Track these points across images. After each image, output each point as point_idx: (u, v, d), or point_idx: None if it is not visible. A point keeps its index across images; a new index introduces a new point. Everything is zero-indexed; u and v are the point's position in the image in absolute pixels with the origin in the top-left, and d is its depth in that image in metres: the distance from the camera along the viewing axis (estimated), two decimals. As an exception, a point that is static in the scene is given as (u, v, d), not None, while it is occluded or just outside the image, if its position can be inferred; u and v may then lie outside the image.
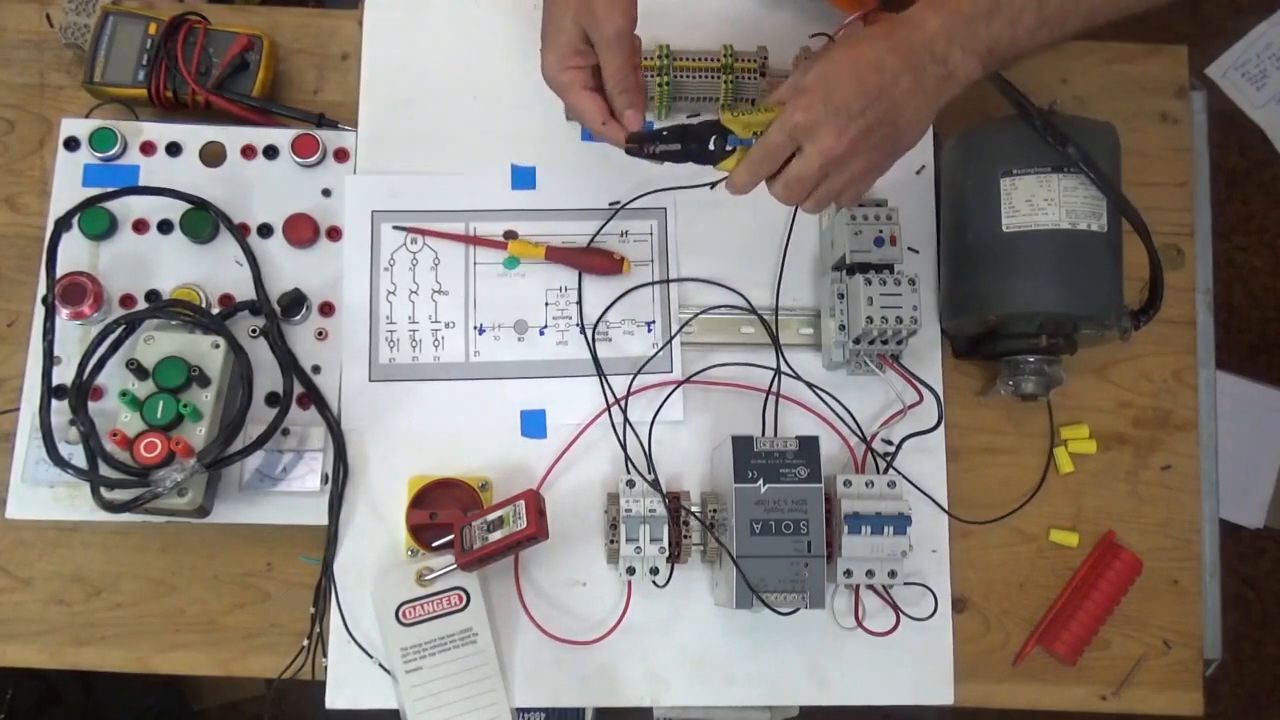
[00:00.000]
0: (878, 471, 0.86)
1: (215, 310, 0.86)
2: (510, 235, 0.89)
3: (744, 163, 0.73)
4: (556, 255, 0.88)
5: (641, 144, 0.77)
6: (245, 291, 0.87)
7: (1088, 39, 0.91)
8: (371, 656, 0.83)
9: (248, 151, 0.90)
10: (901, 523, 0.79)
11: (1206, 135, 0.98)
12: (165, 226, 0.88)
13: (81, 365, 0.80)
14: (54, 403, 0.82)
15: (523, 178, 0.91)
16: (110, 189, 0.87)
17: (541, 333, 0.89)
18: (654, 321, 0.89)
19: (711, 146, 0.75)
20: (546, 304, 0.89)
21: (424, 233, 0.89)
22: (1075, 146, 0.81)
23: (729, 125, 0.75)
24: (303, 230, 0.88)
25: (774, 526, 0.78)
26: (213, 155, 0.90)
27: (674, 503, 0.82)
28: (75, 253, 0.87)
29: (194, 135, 0.90)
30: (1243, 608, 1.75)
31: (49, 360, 0.83)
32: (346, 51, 0.95)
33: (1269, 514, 1.74)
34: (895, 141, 0.71)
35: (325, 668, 0.84)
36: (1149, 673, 0.88)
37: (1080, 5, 0.70)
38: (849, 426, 0.88)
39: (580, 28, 0.75)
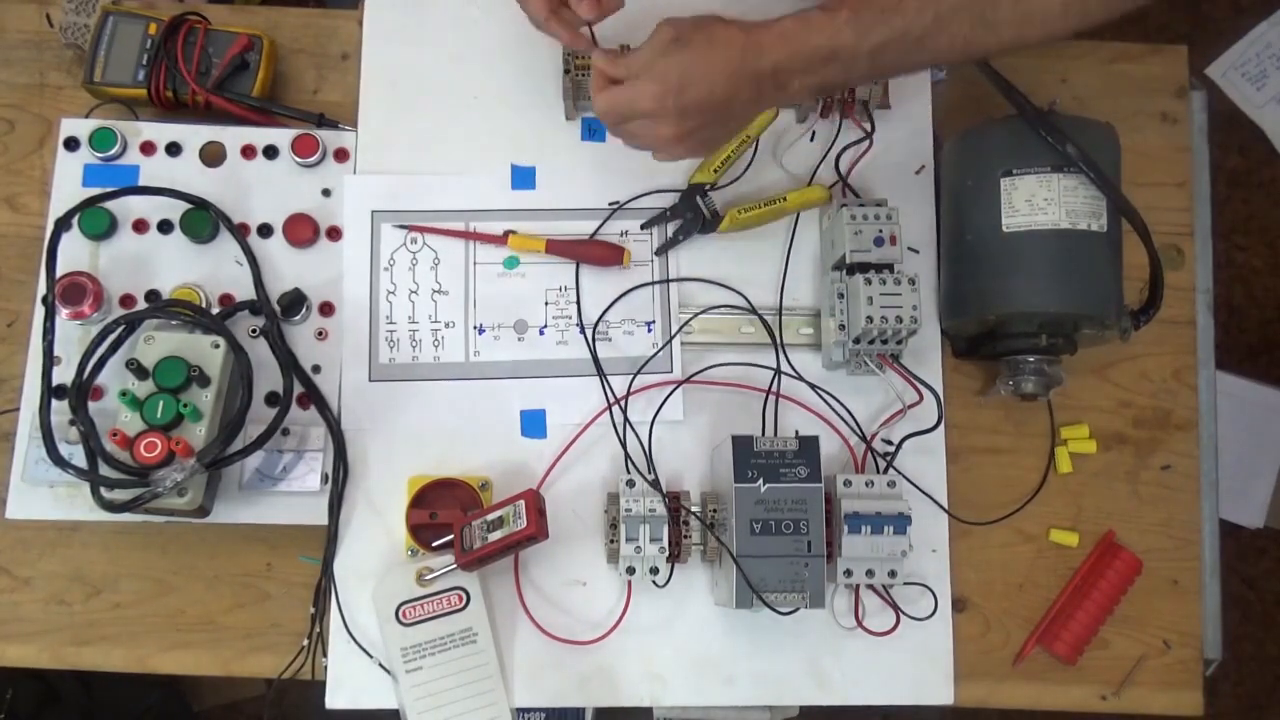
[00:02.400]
0: (878, 471, 0.86)
1: (215, 310, 0.86)
2: (510, 235, 0.89)
3: (596, 107, 0.77)
4: (556, 248, 0.89)
5: (665, 251, 0.90)
6: (245, 291, 0.87)
7: (1088, 39, 0.91)
8: (371, 656, 0.83)
9: (248, 151, 0.90)
10: (901, 523, 0.79)
11: (1206, 135, 0.98)
12: (165, 226, 0.88)
13: (81, 365, 0.80)
14: (54, 403, 0.82)
15: (523, 178, 0.91)
16: (110, 189, 0.87)
17: (541, 333, 0.89)
18: (654, 321, 0.89)
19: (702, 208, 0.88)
20: (546, 304, 0.89)
21: (426, 230, 0.89)
22: (1075, 146, 0.81)
23: (698, 179, 0.88)
24: (303, 230, 0.88)
25: (774, 526, 0.78)
26: (213, 155, 0.90)
27: (674, 502, 0.82)
28: (75, 253, 0.87)
29: (194, 135, 0.90)
30: (1243, 608, 1.75)
31: (49, 360, 0.83)
32: (346, 51, 0.95)
33: (1269, 514, 1.74)
34: (717, 138, 0.78)
35: (325, 668, 0.84)
36: (1149, 673, 0.88)
37: (910, 63, 0.75)
38: (849, 426, 0.88)
39: None
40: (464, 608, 0.82)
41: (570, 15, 0.79)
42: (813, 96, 0.77)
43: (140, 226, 0.88)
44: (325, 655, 0.84)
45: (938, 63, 0.77)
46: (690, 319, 0.89)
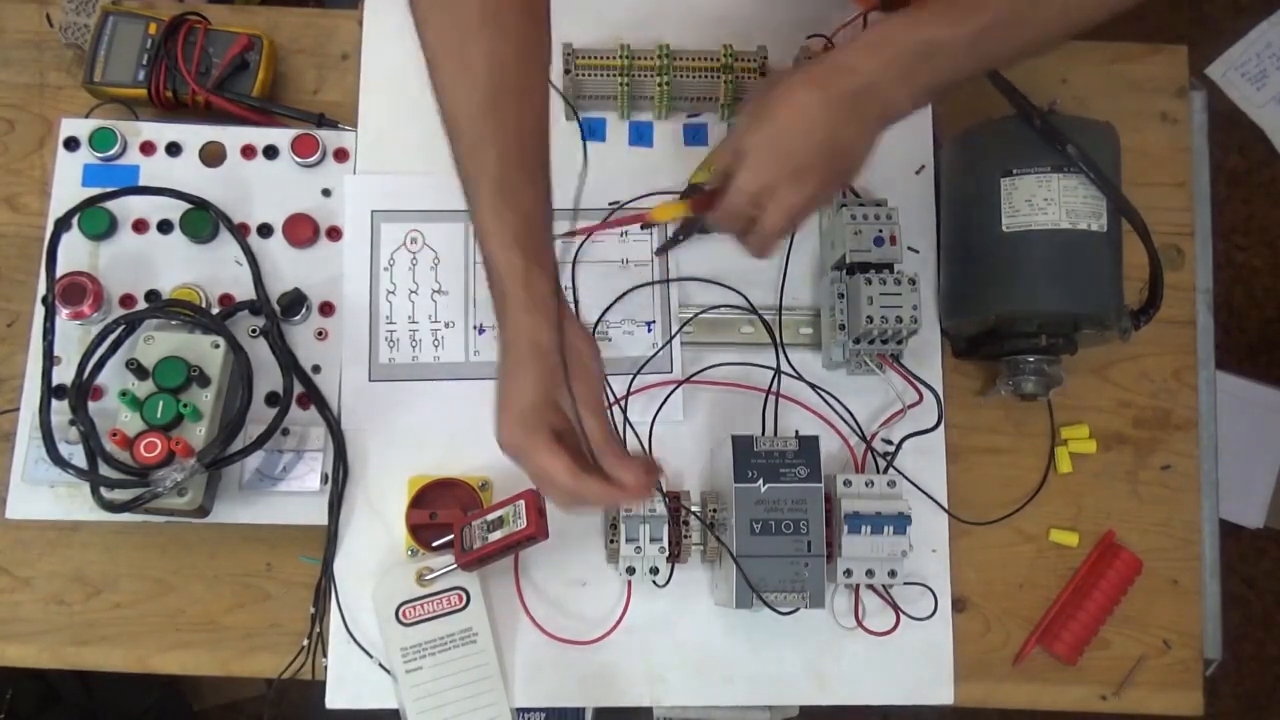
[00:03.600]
0: (878, 471, 0.86)
1: (215, 310, 0.86)
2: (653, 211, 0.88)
3: (716, 222, 0.73)
4: (698, 204, 0.79)
5: (665, 250, 0.90)
6: (245, 291, 0.87)
7: (1088, 39, 0.91)
8: (371, 656, 0.83)
9: (248, 151, 0.90)
10: (901, 522, 0.79)
11: (1206, 135, 0.98)
12: (165, 226, 0.88)
13: (81, 365, 0.80)
14: (54, 403, 0.82)
15: (523, 178, 0.91)
16: (110, 189, 0.87)
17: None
18: (654, 321, 0.89)
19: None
20: (546, 304, 0.89)
21: (584, 231, 0.88)
22: (1075, 146, 0.81)
23: (697, 180, 0.87)
24: (303, 230, 0.88)
25: (774, 526, 0.78)
26: (213, 155, 0.90)
27: (674, 502, 0.82)
28: (75, 253, 0.87)
29: (194, 135, 0.90)
30: (1243, 608, 1.75)
31: (49, 360, 0.83)
32: (346, 51, 0.95)
33: (1269, 514, 1.73)
34: (844, 178, 0.73)
35: (325, 668, 0.84)
36: (1149, 673, 0.88)
37: (1011, 48, 0.71)
38: (849, 426, 0.88)
39: (547, 392, 0.67)
40: (464, 608, 0.82)
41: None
42: (921, 104, 0.70)
43: (140, 226, 0.88)
44: (325, 655, 0.84)
45: (1040, 44, 0.71)
46: (690, 319, 0.89)
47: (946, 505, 0.87)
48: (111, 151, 0.88)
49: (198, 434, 0.78)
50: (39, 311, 0.85)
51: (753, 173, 0.69)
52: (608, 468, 0.67)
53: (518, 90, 0.68)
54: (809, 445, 0.80)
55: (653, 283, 0.89)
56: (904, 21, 0.67)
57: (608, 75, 0.88)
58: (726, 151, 0.71)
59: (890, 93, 0.68)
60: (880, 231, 0.83)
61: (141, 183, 0.88)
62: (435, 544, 0.82)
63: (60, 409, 0.81)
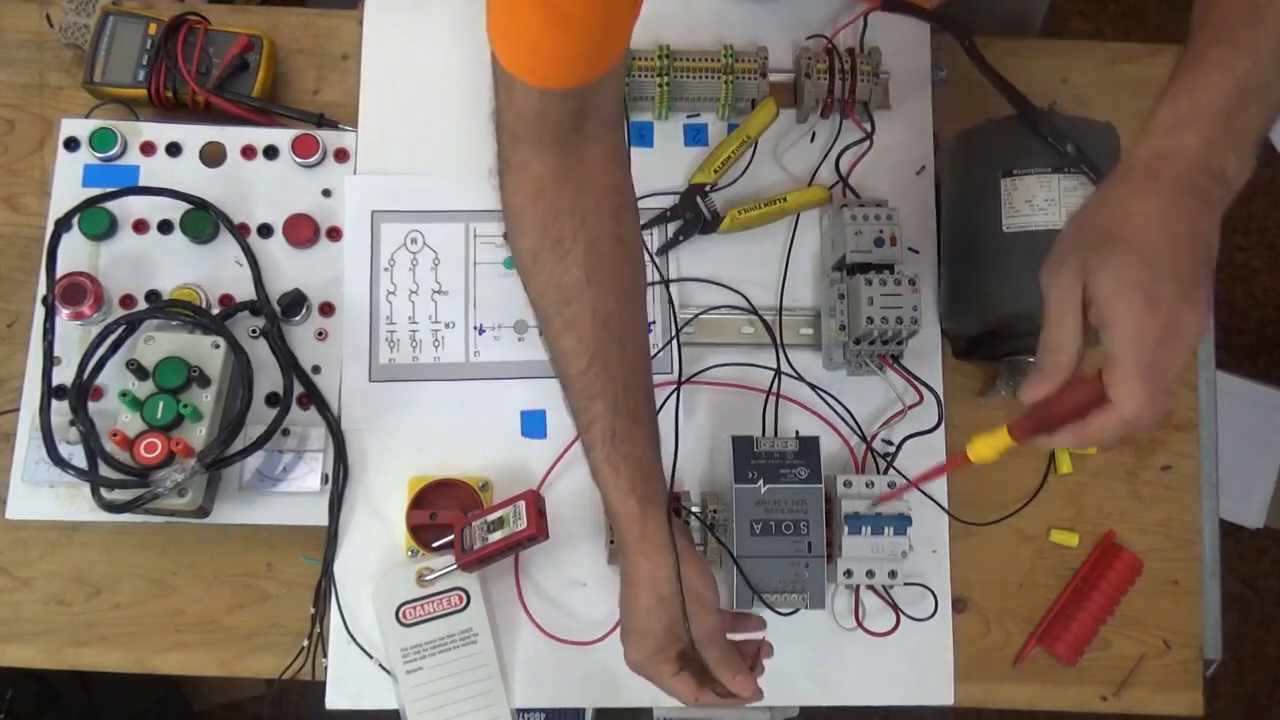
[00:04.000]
0: (878, 472, 0.86)
1: (215, 310, 0.86)
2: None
3: (1133, 405, 0.56)
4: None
5: (665, 251, 0.89)
6: (245, 291, 0.87)
7: (1088, 39, 0.91)
8: (371, 656, 0.83)
9: (248, 152, 0.90)
10: (901, 523, 0.79)
11: (1207, 135, 0.97)
12: (165, 226, 0.88)
13: (81, 365, 0.80)
14: (54, 403, 0.82)
15: (523, 178, 0.91)
16: (110, 189, 0.87)
17: (542, 333, 0.88)
18: (654, 321, 0.89)
19: None
20: (546, 304, 0.89)
21: (907, 488, 0.80)
22: (1075, 146, 0.81)
23: (698, 180, 0.89)
24: (303, 230, 0.88)
25: (774, 527, 0.78)
26: (213, 155, 0.90)
27: (674, 503, 0.82)
28: (75, 253, 0.87)
29: (194, 135, 0.90)
30: (1243, 608, 1.75)
31: (49, 360, 0.83)
32: (346, 51, 0.95)
33: (1269, 514, 1.73)
34: (1212, 272, 0.58)
35: (325, 668, 0.84)
36: (1149, 673, 0.88)
37: None
38: (849, 426, 0.88)
39: (669, 629, 0.71)
40: (464, 608, 0.82)
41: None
42: (1253, 160, 0.59)
43: (140, 227, 0.88)
44: (325, 655, 0.84)
45: None
46: (690, 319, 0.89)
47: (946, 506, 0.87)
48: (111, 152, 0.88)
49: (198, 434, 0.78)
50: (39, 312, 0.85)
51: (1143, 308, 0.55)
52: (726, 683, 0.72)
53: (621, 338, 0.71)
54: (809, 446, 0.80)
55: (653, 283, 0.89)
56: (1198, 76, 0.59)
57: (608, 75, 0.88)
58: (1061, 318, 0.58)
59: (1225, 160, 0.58)
60: (880, 232, 0.83)
61: (141, 183, 0.88)
62: (435, 544, 0.82)
63: (60, 409, 0.81)
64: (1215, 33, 0.59)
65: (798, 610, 0.80)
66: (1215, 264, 0.58)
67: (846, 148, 0.91)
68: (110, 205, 0.87)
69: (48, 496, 0.83)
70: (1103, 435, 0.57)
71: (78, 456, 0.78)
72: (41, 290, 0.84)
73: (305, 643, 0.84)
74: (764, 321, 0.89)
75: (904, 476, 0.84)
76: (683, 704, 0.74)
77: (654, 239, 0.90)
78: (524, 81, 0.65)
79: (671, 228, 0.90)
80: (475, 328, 0.89)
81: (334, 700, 0.83)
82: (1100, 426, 0.57)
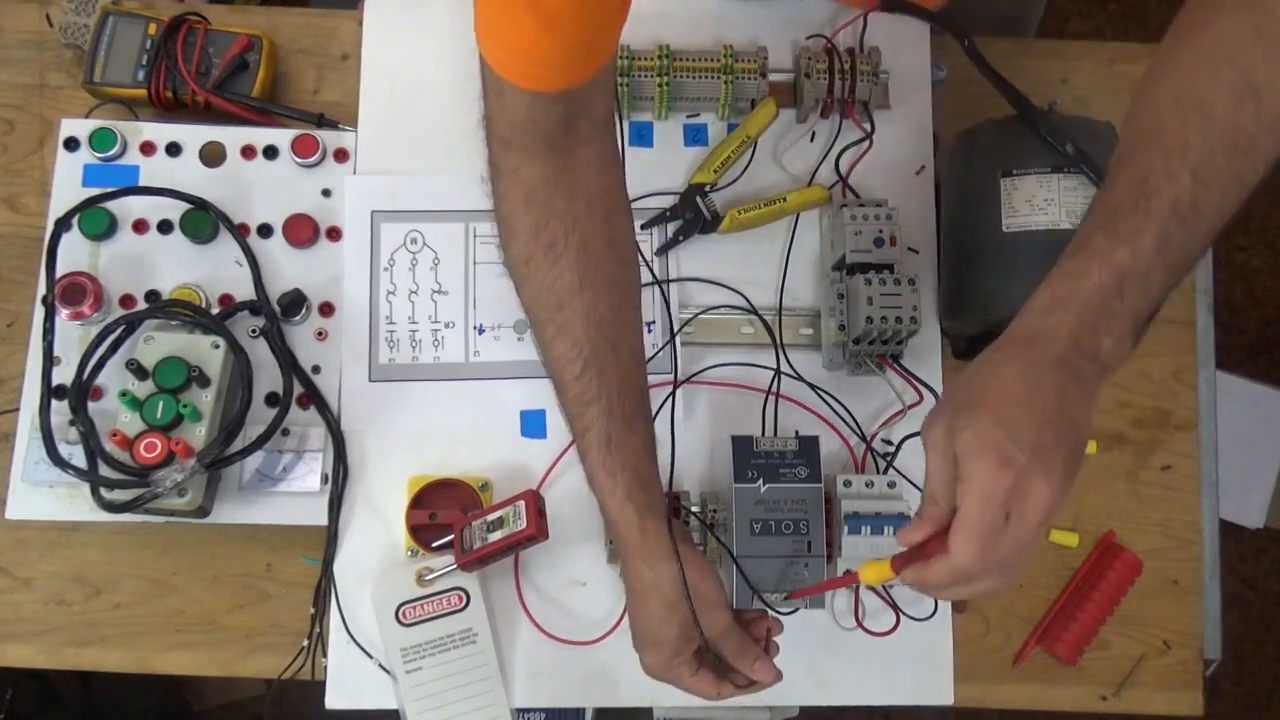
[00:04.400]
0: (878, 471, 0.86)
1: (215, 310, 0.86)
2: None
3: (966, 555, 0.58)
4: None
5: (665, 251, 0.89)
6: (245, 291, 0.87)
7: (1088, 39, 0.91)
8: (371, 656, 0.83)
9: (248, 151, 0.90)
10: (901, 523, 0.79)
11: (1207, 135, 0.97)
12: (165, 226, 0.88)
13: (81, 365, 0.80)
14: (54, 403, 0.82)
15: (523, 178, 0.91)
16: (110, 189, 0.87)
17: (535, 339, 0.88)
18: (654, 321, 0.89)
19: None
20: (546, 304, 0.89)
21: (807, 591, 0.78)
22: (1075, 146, 0.81)
23: (698, 179, 0.89)
24: (303, 230, 0.88)
25: (774, 526, 0.78)
26: (213, 155, 0.90)
27: (674, 503, 0.82)
28: (75, 253, 0.87)
29: (194, 135, 0.90)
30: (1243, 608, 1.75)
31: (49, 360, 0.83)
32: (346, 51, 0.95)
33: (1269, 514, 1.73)
34: (1081, 450, 0.59)
35: (325, 668, 0.84)
36: (1149, 673, 0.88)
37: (1198, 235, 0.60)
38: (849, 426, 0.88)
39: (680, 632, 0.72)
40: (464, 608, 0.82)
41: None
42: (1132, 342, 0.60)
43: (140, 227, 0.88)
44: (325, 655, 0.84)
45: (1223, 219, 0.60)
46: (690, 319, 0.89)
47: (946, 505, 0.87)
48: (111, 152, 0.88)
49: (198, 434, 0.78)
50: (39, 312, 0.85)
51: (994, 470, 0.57)
52: (746, 673, 0.73)
53: (615, 343, 0.71)
54: (809, 445, 0.80)
55: (653, 283, 0.89)
56: (1073, 265, 0.60)
57: (608, 75, 0.88)
58: (938, 474, 0.60)
59: (1098, 342, 0.59)
60: (880, 232, 0.83)
61: (141, 183, 0.88)
62: (435, 544, 0.82)
63: (60, 409, 0.81)
64: (1101, 219, 0.60)
65: (798, 610, 0.80)
66: (1084, 442, 0.59)
67: (846, 148, 0.91)
68: (110, 205, 0.87)
69: (48, 496, 0.83)
70: (937, 581, 0.60)
71: (77, 456, 0.78)
72: (41, 290, 0.84)
73: (305, 643, 0.84)
74: (764, 321, 0.89)
75: (903, 476, 0.84)
76: (706, 701, 0.74)
77: (654, 239, 0.90)
78: (514, 85, 0.65)
79: (671, 228, 0.90)
80: (475, 328, 0.89)
81: (334, 700, 0.83)
82: (935, 572, 0.60)
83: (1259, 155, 0.60)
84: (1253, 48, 0.59)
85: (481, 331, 0.89)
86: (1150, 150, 0.60)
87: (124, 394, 0.77)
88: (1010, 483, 0.57)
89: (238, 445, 0.79)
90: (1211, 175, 0.59)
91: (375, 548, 0.85)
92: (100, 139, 0.88)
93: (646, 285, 0.89)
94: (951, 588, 0.60)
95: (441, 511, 0.84)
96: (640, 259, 0.88)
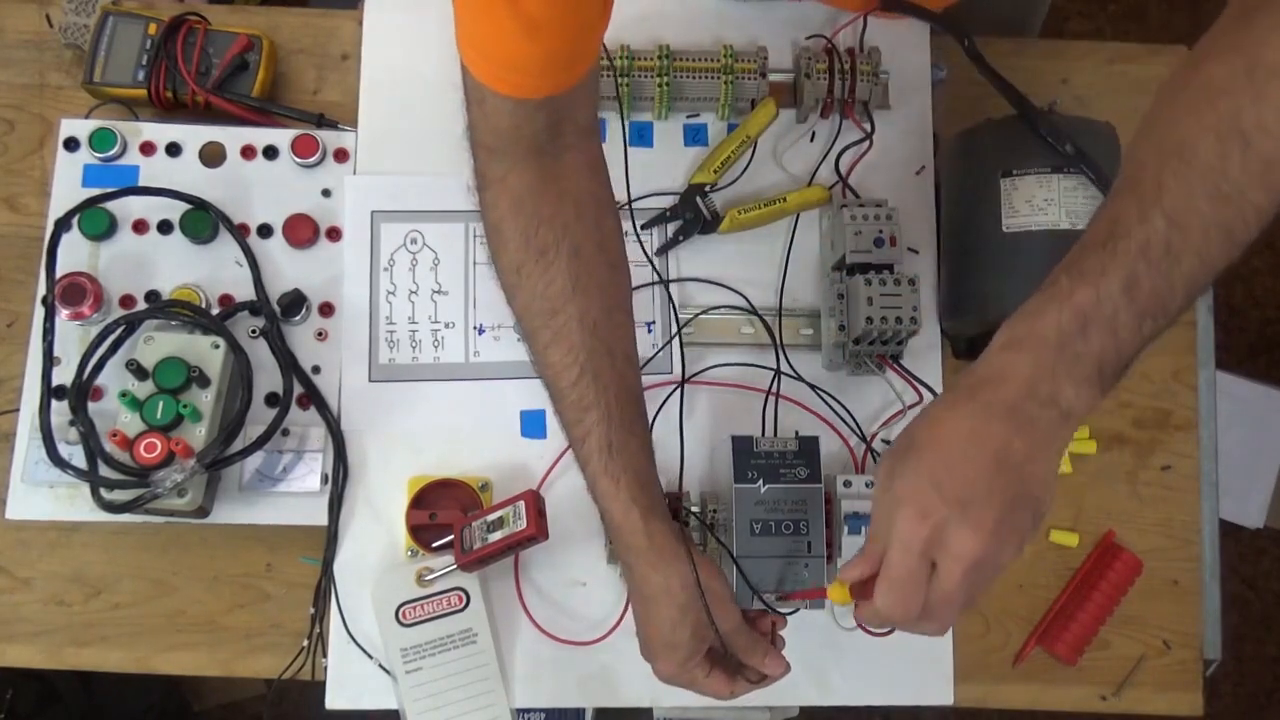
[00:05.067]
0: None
1: (215, 310, 0.86)
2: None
3: (884, 602, 0.59)
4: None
5: (665, 251, 0.89)
6: (245, 292, 0.87)
7: (1088, 39, 0.91)
8: (371, 657, 0.83)
9: (247, 152, 0.90)
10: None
11: (1207, 135, 0.97)
12: (165, 227, 0.88)
13: (81, 365, 0.80)
14: (54, 403, 0.82)
15: (523, 178, 0.91)
16: (110, 189, 0.87)
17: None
18: (654, 322, 0.89)
19: None
20: (546, 304, 0.89)
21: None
22: (1075, 146, 0.81)
23: (698, 179, 0.88)
24: (303, 230, 0.88)
25: (774, 526, 0.78)
26: (212, 155, 0.90)
27: (674, 503, 0.82)
28: (75, 253, 0.87)
29: (194, 135, 0.90)
30: (1243, 608, 1.75)
31: (49, 361, 0.83)
32: (346, 51, 0.95)
33: (1269, 514, 1.73)
34: (1036, 511, 0.58)
35: (325, 668, 0.84)
36: (1149, 673, 0.88)
37: (1173, 282, 0.56)
38: (849, 427, 0.88)
39: (693, 633, 0.71)
40: (464, 608, 0.82)
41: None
42: (1101, 395, 0.57)
43: (140, 227, 0.88)
44: (325, 655, 0.84)
45: (1207, 269, 0.57)
46: (690, 319, 0.89)
47: (946, 505, 0.87)
48: (111, 152, 0.88)
49: (198, 435, 0.78)
50: (39, 312, 0.85)
51: (913, 520, 0.57)
52: (758, 667, 0.73)
53: (609, 346, 0.71)
54: (809, 445, 0.80)
55: (653, 283, 0.89)
56: (1035, 305, 0.58)
57: (608, 75, 0.88)
58: (878, 516, 0.60)
59: (1057, 388, 0.56)
60: (880, 232, 0.83)
61: (141, 183, 0.88)
62: (435, 545, 0.82)
63: (60, 409, 0.81)
64: (1069, 259, 0.58)
65: (798, 610, 0.80)
66: (1035, 494, 0.57)
67: (846, 148, 0.91)
68: (110, 205, 0.87)
69: (47, 497, 0.83)
70: (868, 621, 0.62)
71: (77, 457, 0.78)
72: (41, 290, 0.84)
73: (305, 643, 0.84)
74: (764, 321, 0.89)
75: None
76: (717, 701, 0.74)
77: (654, 239, 0.90)
78: (497, 93, 0.65)
79: (671, 228, 0.90)
80: (475, 328, 0.89)
81: (334, 700, 0.83)
82: (865, 613, 0.62)
83: (1247, 204, 0.55)
84: (1241, 91, 0.55)
85: (481, 331, 0.89)
86: (1126, 194, 0.58)
87: (124, 394, 0.77)
88: (927, 534, 0.56)
89: (238, 445, 0.79)
90: (1189, 220, 0.55)
91: (375, 548, 0.85)
92: (100, 139, 0.88)
93: (648, 285, 0.89)
94: (880, 623, 0.61)
95: (441, 512, 0.84)
96: (644, 258, 0.89)
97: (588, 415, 0.71)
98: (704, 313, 0.89)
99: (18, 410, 0.85)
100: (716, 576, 0.73)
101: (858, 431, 0.87)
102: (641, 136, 0.92)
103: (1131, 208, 0.57)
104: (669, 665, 0.73)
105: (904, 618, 0.59)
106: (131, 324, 0.82)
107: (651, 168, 0.91)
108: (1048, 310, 0.57)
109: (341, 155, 0.91)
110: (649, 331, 0.89)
